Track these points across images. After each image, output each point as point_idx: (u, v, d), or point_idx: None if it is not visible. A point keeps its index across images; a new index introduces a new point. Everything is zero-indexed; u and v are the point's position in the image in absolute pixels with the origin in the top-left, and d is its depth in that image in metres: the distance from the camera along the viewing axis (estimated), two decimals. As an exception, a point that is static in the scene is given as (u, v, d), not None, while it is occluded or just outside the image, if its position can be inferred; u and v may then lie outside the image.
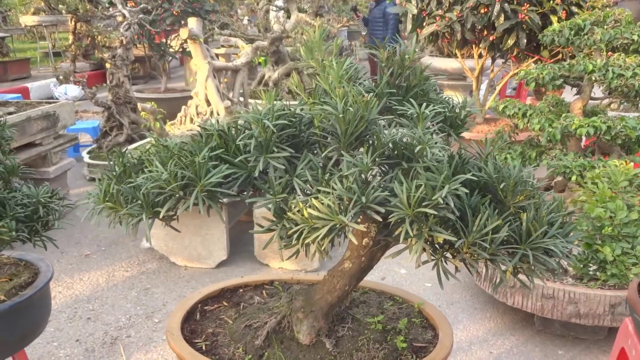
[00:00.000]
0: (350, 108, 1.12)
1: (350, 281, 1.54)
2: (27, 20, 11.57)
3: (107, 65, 10.68)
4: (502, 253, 1.16)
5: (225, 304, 1.78)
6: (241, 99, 4.14)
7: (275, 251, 3.74)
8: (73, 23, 10.18)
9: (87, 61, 10.88)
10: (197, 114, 3.88)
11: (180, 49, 7.92)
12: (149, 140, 3.92)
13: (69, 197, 4.66)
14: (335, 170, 1.15)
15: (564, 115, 2.99)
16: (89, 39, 10.50)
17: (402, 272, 3.72)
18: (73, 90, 8.99)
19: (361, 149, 1.23)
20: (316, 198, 1.10)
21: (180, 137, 3.65)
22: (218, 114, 3.84)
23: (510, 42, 5.13)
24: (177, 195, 1.20)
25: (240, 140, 1.20)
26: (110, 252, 3.98)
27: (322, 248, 1.06)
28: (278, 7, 5.62)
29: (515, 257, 1.16)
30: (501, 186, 1.19)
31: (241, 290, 1.86)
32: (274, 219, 1.21)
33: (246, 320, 1.65)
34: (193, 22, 3.73)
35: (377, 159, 1.15)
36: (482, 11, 5.19)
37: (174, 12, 7.33)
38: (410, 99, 1.25)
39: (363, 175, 1.11)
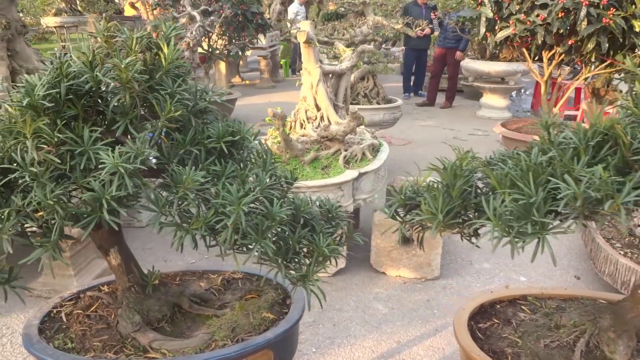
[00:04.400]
0: None
1: (669, 299, 1.49)
2: (49, 21, 11.38)
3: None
4: None
5: (496, 320, 1.71)
6: (343, 103, 4.06)
7: (393, 259, 3.68)
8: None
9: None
10: (307, 118, 3.79)
11: (225, 51, 7.82)
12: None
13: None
14: None
15: None
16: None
17: (521, 279, 3.68)
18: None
19: None
20: None
21: (298, 141, 3.57)
22: (329, 119, 3.75)
23: (591, 46, 5.12)
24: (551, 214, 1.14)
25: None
26: (217, 260, 3.87)
27: None
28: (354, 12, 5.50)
29: None
30: None
31: (498, 306, 1.80)
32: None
33: (534, 339, 1.59)
34: (307, 26, 3.64)
35: None
36: (560, 15, 5.17)
37: (223, 13, 7.23)
38: None
39: None
